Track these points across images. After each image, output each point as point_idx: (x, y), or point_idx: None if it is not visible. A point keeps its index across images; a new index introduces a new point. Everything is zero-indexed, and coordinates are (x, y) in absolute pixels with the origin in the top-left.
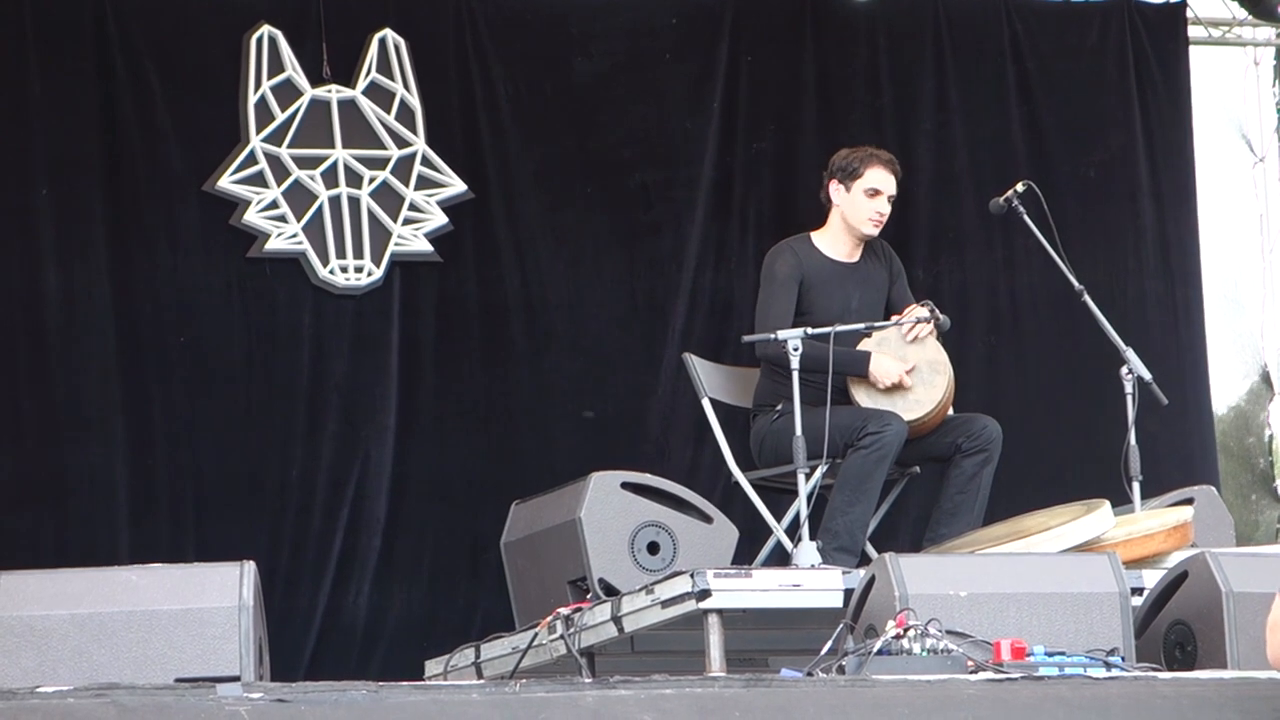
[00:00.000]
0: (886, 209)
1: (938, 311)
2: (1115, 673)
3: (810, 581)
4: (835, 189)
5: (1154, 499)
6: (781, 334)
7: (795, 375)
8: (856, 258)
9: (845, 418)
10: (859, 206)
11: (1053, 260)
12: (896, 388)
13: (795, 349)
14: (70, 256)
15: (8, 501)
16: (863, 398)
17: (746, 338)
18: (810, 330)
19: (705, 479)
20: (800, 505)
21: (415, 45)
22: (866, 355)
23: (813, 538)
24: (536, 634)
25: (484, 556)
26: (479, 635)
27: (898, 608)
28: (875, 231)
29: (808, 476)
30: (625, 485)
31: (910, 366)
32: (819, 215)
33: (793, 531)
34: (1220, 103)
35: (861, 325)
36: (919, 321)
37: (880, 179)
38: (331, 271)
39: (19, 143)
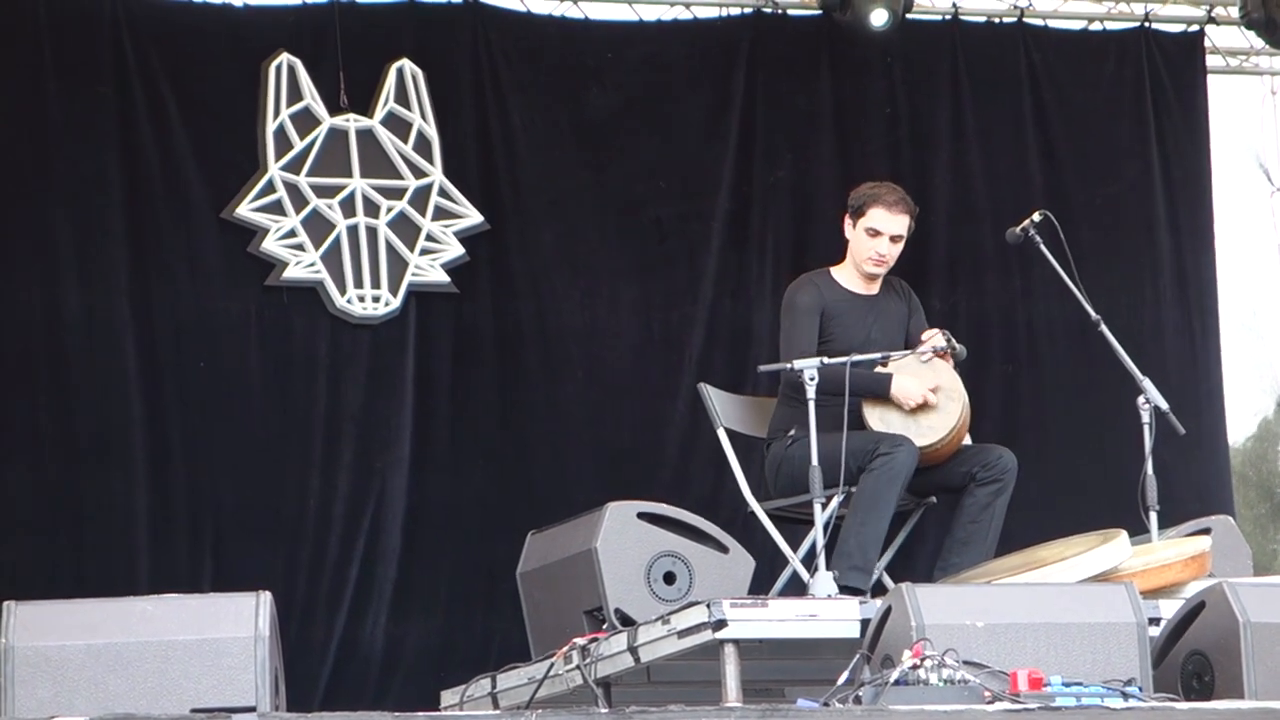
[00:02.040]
0: (888, 249)
1: (954, 340)
2: (1133, 703)
3: (827, 612)
4: (847, 224)
5: (1171, 529)
6: (798, 363)
7: (811, 405)
8: (875, 290)
9: (858, 442)
10: (860, 245)
11: (1070, 289)
12: (920, 409)
13: (811, 378)
14: (90, 282)
15: (27, 526)
16: (876, 423)
17: (763, 367)
18: (826, 360)
19: (726, 508)
20: (816, 535)
21: (432, 76)
22: (888, 377)
23: (829, 568)
24: (553, 664)
25: (500, 586)
26: (496, 664)
27: (914, 638)
28: (876, 271)
29: (824, 505)
30: (641, 515)
31: (934, 385)
32: (837, 245)
33: (809, 561)
34: (1237, 132)
35: (878, 355)
36: (935, 351)
37: (880, 219)
38: (349, 301)
39: (39, 169)
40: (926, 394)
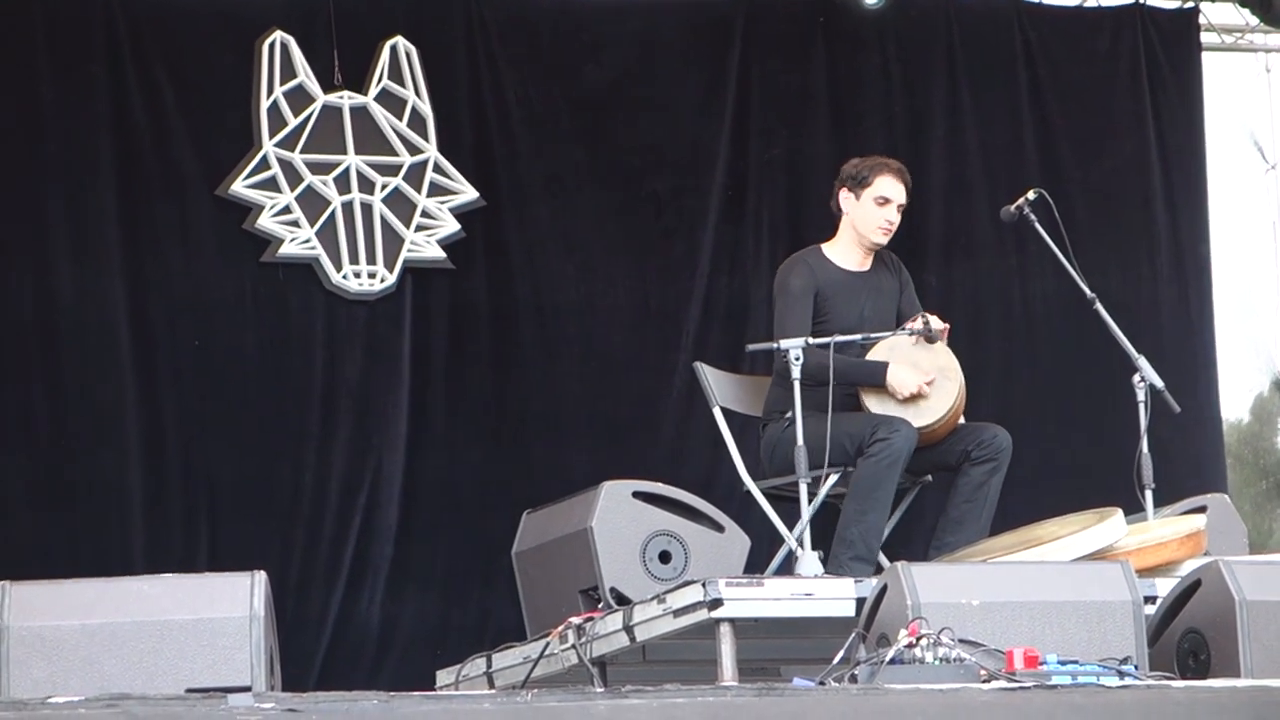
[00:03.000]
0: (895, 218)
1: (932, 325)
2: (1128, 681)
3: (822, 590)
4: (845, 197)
5: (1166, 507)
6: (784, 343)
7: (797, 385)
8: (868, 266)
9: (855, 424)
10: (868, 215)
11: (1065, 267)
12: (914, 397)
13: (797, 358)
14: (83, 261)
15: (21, 505)
16: (873, 404)
17: (751, 346)
18: (811, 340)
19: (722, 485)
20: (804, 514)
21: (426, 53)
22: (884, 366)
23: (816, 546)
24: (548, 643)
25: (496, 563)
26: (492, 642)
27: (910, 616)
28: (884, 240)
29: (819, 483)
30: (637, 494)
31: (930, 378)
32: (831, 221)
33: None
34: (1232, 109)
35: (858, 337)
36: (913, 334)
37: (889, 187)
38: (345, 277)
39: (31, 147)
40: (922, 385)
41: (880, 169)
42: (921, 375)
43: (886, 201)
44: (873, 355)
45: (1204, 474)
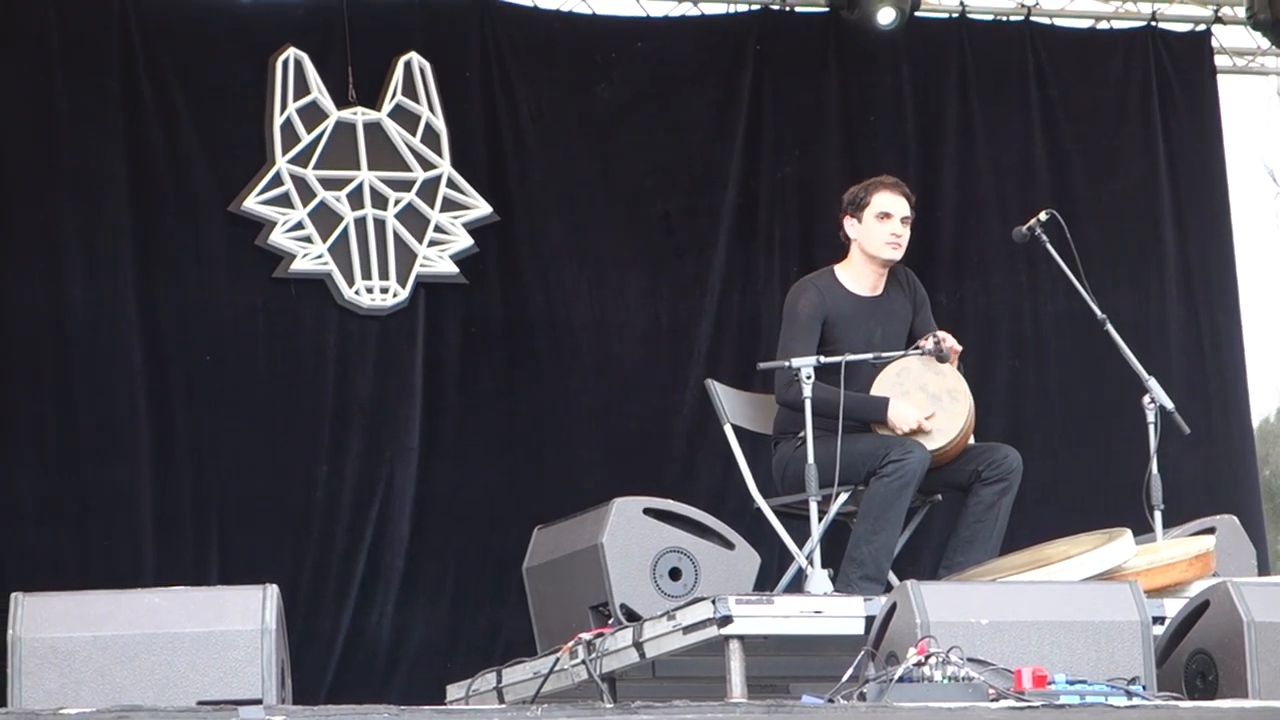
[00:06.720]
0: (902, 230)
1: (943, 344)
2: (1136, 701)
3: (831, 608)
4: (850, 224)
5: (1176, 528)
6: (795, 361)
7: (808, 404)
8: (880, 291)
9: (868, 445)
10: (873, 233)
11: (1076, 288)
12: (916, 431)
13: (808, 376)
14: (96, 275)
15: (32, 519)
16: (882, 426)
17: (762, 365)
18: (822, 359)
19: (734, 502)
20: (814, 532)
21: (440, 69)
22: (885, 401)
23: (826, 564)
24: (558, 659)
25: (507, 578)
26: (502, 656)
27: (919, 635)
28: (895, 255)
29: (829, 501)
30: (647, 511)
31: (930, 413)
32: (842, 241)
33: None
34: (1243, 133)
35: (869, 356)
36: (924, 353)
37: (888, 201)
38: (357, 292)
39: (45, 162)
40: (921, 421)
41: (876, 187)
42: (922, 411)
43: (888, 216)
44: (883, 376)
45: (1218, 493)
